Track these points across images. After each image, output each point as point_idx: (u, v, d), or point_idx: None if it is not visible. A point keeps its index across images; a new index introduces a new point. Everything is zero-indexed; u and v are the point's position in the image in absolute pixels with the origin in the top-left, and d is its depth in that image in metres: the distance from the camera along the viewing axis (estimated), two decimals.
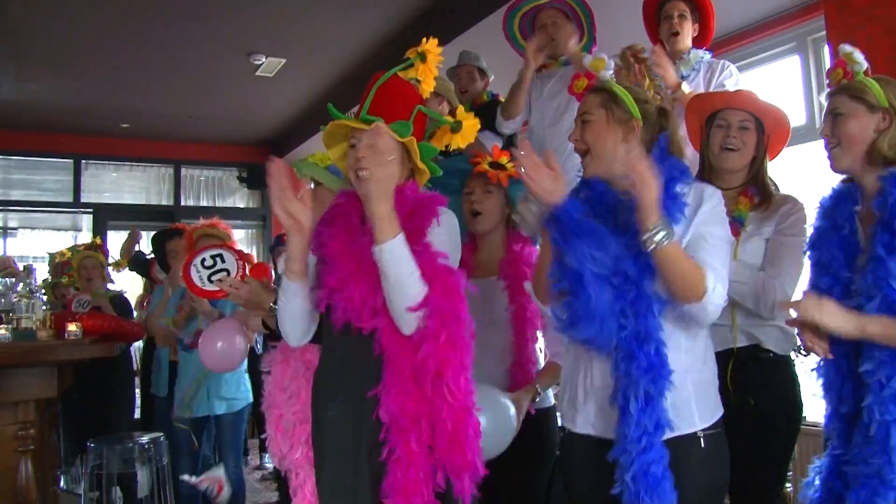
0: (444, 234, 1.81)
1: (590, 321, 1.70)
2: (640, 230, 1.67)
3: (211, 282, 2.38)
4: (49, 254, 5.59)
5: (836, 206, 1.90)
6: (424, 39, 1.98)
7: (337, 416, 1.83)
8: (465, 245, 2.48)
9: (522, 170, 1.71)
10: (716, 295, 1.69)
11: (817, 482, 1.87)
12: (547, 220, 1.73)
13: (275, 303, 2.22)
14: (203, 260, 2.44)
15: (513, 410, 2.15)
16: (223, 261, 2.42)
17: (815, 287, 1.83)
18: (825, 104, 1.95)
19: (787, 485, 2.91)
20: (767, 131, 2.30)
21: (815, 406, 2.13)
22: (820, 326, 1.69)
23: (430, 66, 1.97)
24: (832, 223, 1.88)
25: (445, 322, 1.71)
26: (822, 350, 1.74)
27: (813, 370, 1.91)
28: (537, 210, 1.76)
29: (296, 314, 1.89)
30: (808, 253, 1.95)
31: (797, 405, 2.30)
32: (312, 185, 2.50)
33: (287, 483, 3.09)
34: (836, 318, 1.68)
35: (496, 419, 2.07)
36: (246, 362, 4.06)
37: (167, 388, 4.18)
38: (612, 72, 2.04)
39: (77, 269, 4.84)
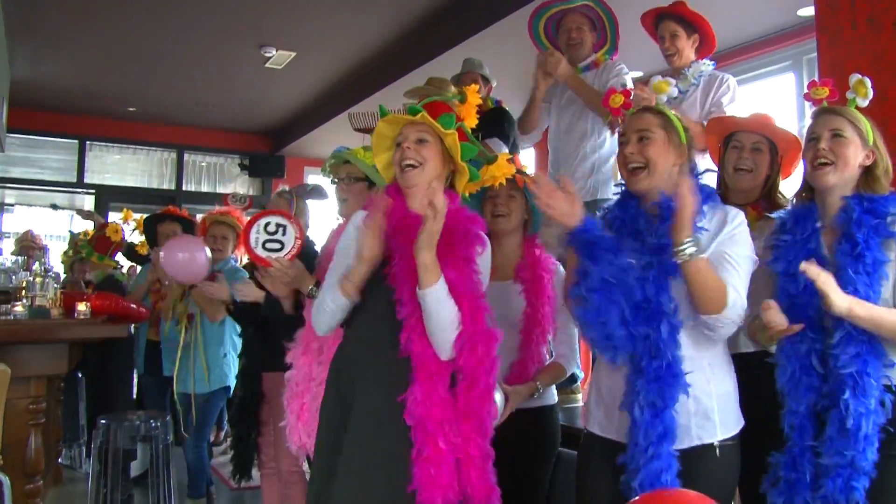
0: (485, 262, 1.97)
1: (596, 326, 1.82)
2: (672, 243, 1.77)
3: (265, 249, 2.36)
4: (71, 233, 5.87)
5: (798, 223, 1.99)
6: (474, 86, 2.12)
7: (365, 409, 1.94)
8: None
9: (539, 198, 1.82)
10: (734, 310, 1.78)
11: (777, 474, 1.94)
12: (568, 240, 1.85)
13: (316, 285, 2.33)
14: (268, 224, 2.39)
15: (498, 398, 2.18)
16: (284, 233, 2.38)
17: (786, 293, 1.91)
18: (812, 116, 2.00)
19: None
20: (780, 152, 2.38)
21: None
22: (824, 293, 1.75)
23: (469, 107, 2.08)
24: (798, 237, 1.96)
25: (478, 348, 1.88)
26: (782, 323, 1.80)
27: (775, 362, 1.96)
28: (557, 233, 1.86)
29: (336, 316, 2.02)
30: (773, 265, 2.00)
31: None
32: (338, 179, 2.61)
33: None
34: (838, 292, 1.77)
35: None
36: (238, 348, 4.09)
37: (143, 367, 4.31)
38: (675, 95, 2.10)
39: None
